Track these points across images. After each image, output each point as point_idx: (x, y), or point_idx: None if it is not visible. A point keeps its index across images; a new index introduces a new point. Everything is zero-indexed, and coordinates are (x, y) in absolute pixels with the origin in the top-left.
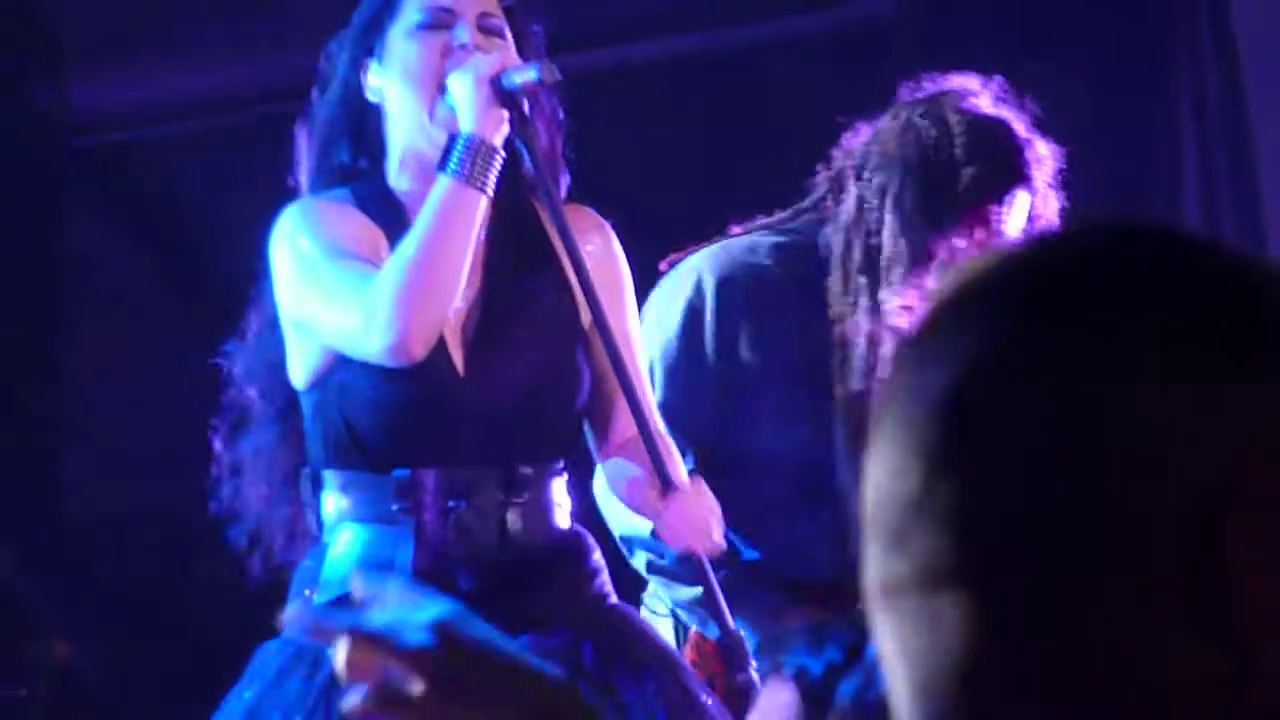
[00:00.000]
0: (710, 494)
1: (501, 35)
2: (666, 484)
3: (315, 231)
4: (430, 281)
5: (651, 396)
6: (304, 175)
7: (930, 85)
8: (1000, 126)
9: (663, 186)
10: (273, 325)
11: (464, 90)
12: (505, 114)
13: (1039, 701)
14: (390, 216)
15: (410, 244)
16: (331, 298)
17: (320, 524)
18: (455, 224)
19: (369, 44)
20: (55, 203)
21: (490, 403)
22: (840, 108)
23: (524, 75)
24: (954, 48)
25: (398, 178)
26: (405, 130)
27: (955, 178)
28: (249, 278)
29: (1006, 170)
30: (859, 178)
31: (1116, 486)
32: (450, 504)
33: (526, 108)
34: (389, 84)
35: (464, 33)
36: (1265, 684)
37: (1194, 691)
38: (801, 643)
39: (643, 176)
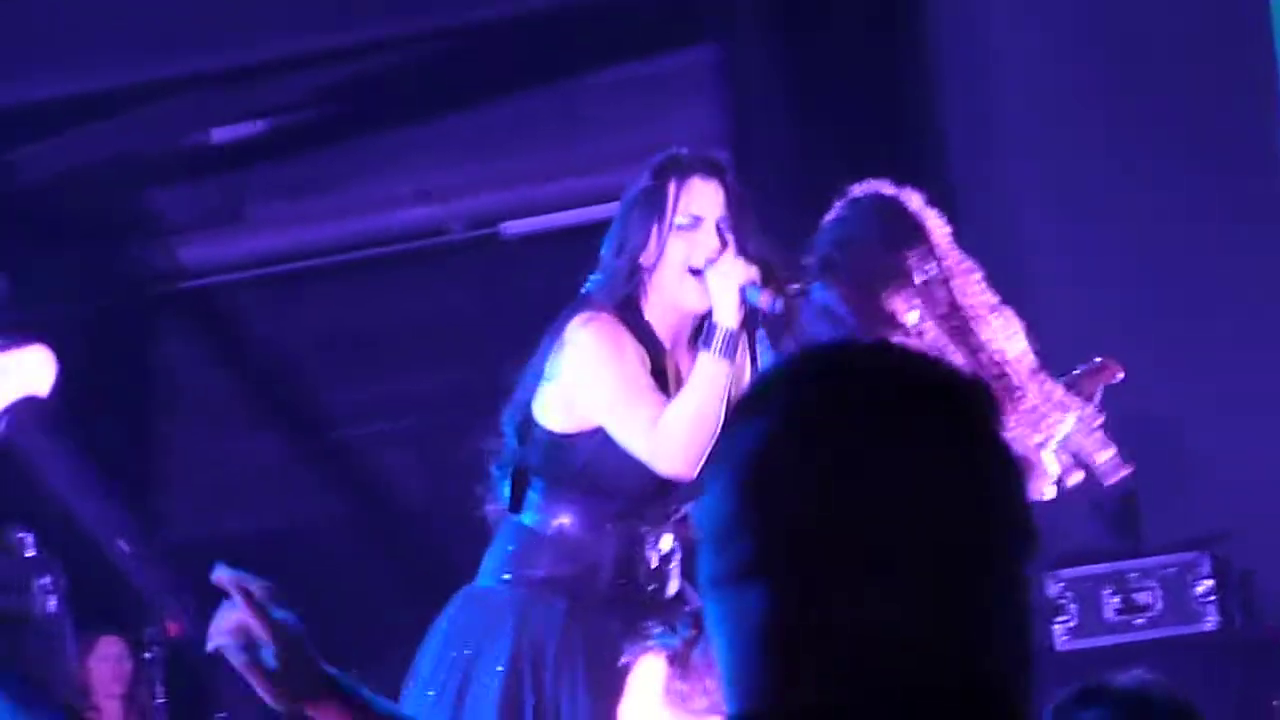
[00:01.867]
0: None
1: (725, 234)
2: None
3: (620, 359)
4: (701, 430)
5: None
6: (599, 293)
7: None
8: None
9: None
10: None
11: (726, 291)
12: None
13: (811, 653)
14: (648, 344)
15: (689, 402)
16: (630, 422)
17: (539, 520)
18: (717, 389)
19: (645, 237)
20: (158, 329)
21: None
22: None
23: (758, 298)
24: None
25: (650, 312)
26: (664, 289)
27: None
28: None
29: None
30: None
31: (852, 509)
32: (642, 531)
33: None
34: (659, 264)
35: (708, 233)
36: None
37: (911, 645)
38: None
39: None
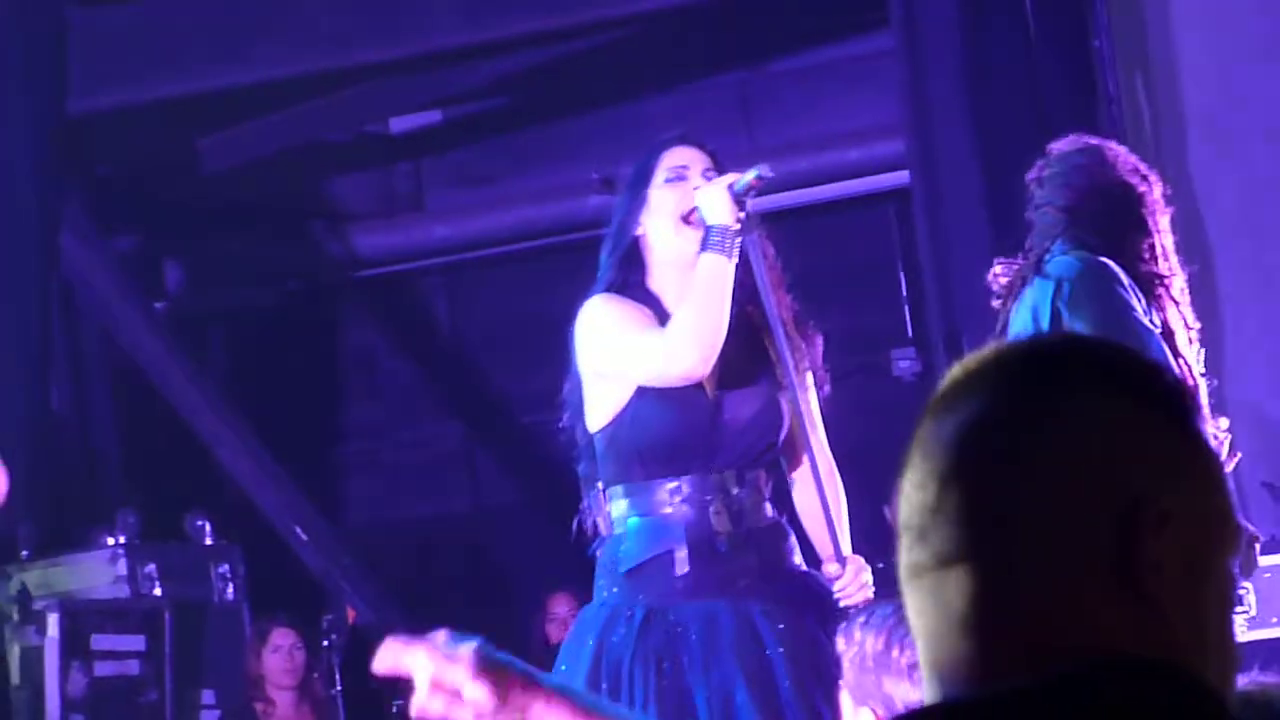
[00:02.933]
0: (866, 565)
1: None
2: (839, 555)
3: (616, 312)
4: (708, 323)
5: (830, 464)
6: (599, 285)
7: None
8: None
9: None
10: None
11: (711, 194)
12: (738, 210)
13: (1015, 637)
14: (653, 307)
15: (693, 300)
16: (639, 345)
17: (610, 524)
18: (719, 284)
19: (636, 199)
20: (337, 317)
21: (728, 424)
22: None
23: (747, 176)
24: None
25: (654, 282)
26: (663, 249)
27: None
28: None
29: None
30: None
31: (1063, 497)
32: (706, 498)
33: (750, 206)
34: (650, 222)
35: (695, 179)
36: (1163, 624)
37: (1115, 632)
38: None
39: None
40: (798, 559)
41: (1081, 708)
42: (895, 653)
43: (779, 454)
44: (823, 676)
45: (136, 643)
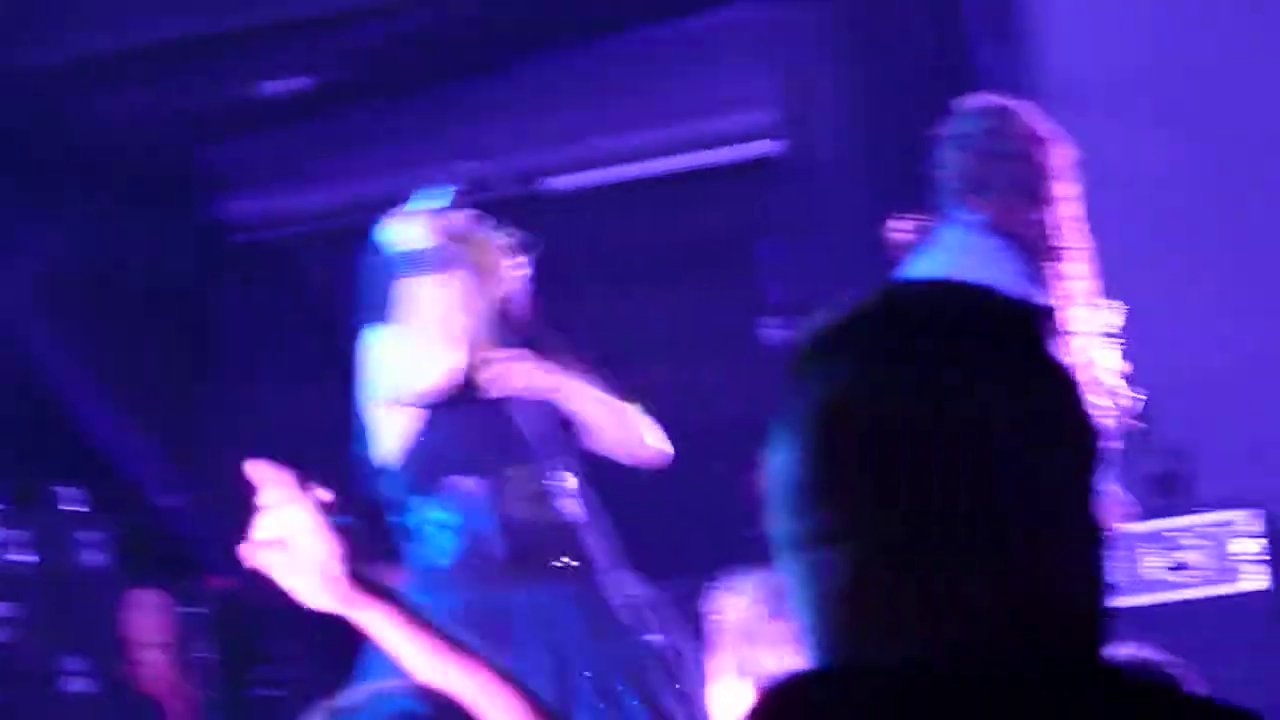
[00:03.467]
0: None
1: None
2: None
3: (384, 340)
4: (436, 341)
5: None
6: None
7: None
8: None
9: None
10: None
11: (401, 225)
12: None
13: (895, 612)
14: None
15: (418, 319)
16: (396, 363)
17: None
18: (434, 304)
19: None
20: (216, 280)
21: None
22: None
23: (434, 200)
24: None
25: None
26: None
27: None
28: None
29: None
30: None
31: (930, 475)
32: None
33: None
34: None
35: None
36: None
37: (989, 603)
38: None
39: None
40: None
41: (969, 676)
42: (772, 622)
43: None
44: None
45: (5, 610)
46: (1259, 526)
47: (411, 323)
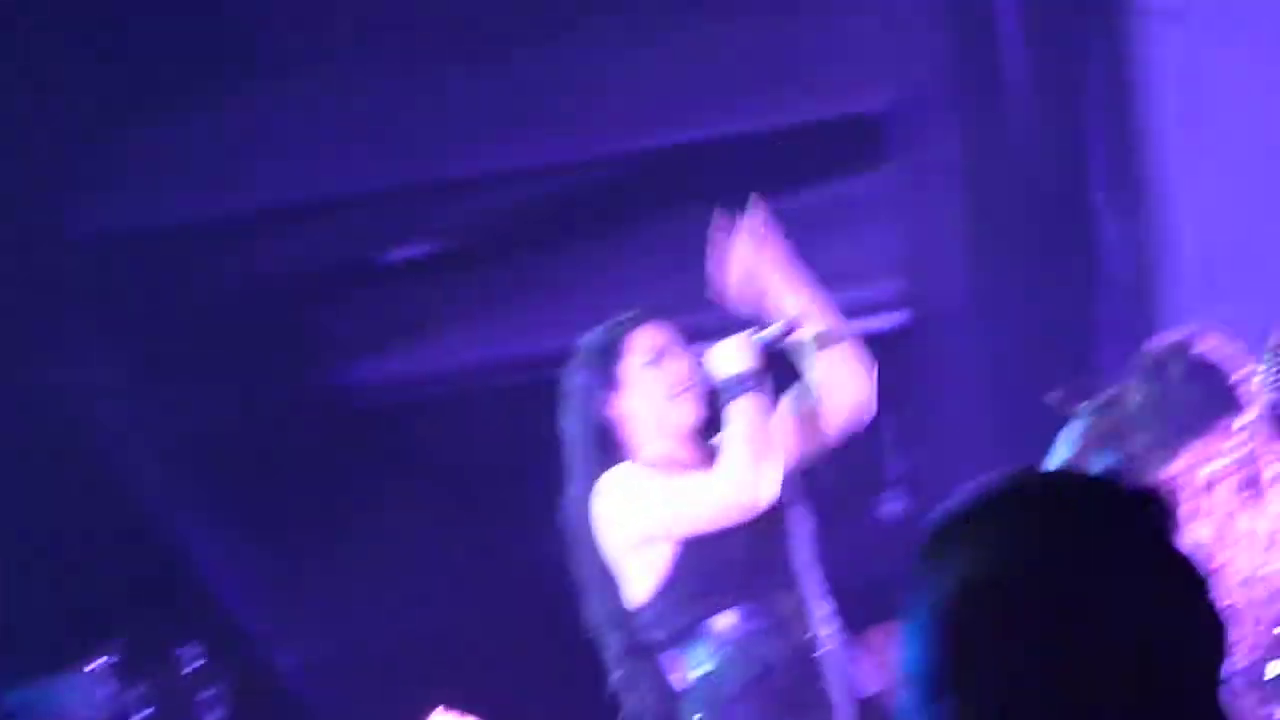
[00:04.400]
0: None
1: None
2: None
3: (648, 474)
4: (764, 449)
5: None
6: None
7: None
8: None
9: None
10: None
11: (725, 350)
12: (757, 360)
13: None
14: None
15: (737, 438)
16: (698, 488)
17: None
18: (753, 419)
19: (604, 379)
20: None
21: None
22: None
23: (773, 329)
24: None
25: (647, 453)
26: (650, 424)
27: None
28: None
29: None
30: None
31: (1074, 663)
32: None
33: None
34: (632, 403)
35: (676, 355)
36: None
37: None
38: None
39: None
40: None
41: None
42: None
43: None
44: None
45: None
46: None
47: (733, 444)
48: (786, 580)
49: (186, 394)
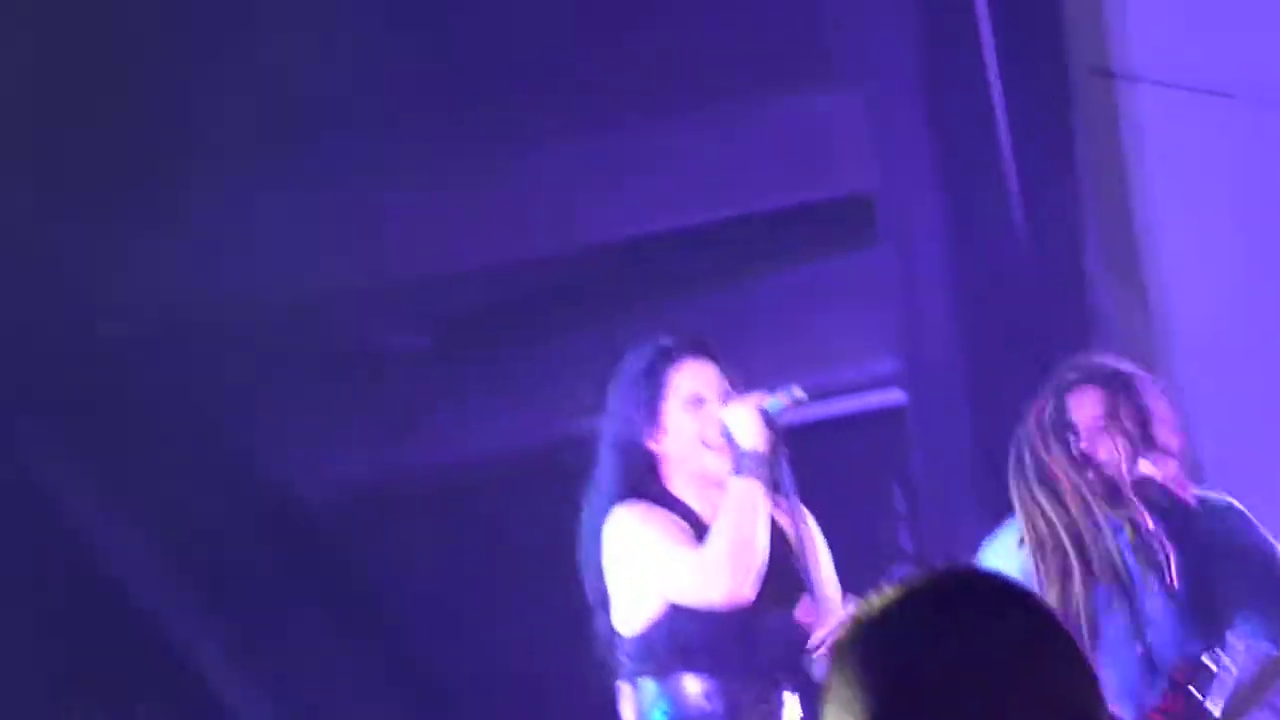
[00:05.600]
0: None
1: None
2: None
3: (651, 528)
4: (748, 547)
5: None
6: (615, 485)
7: None
8: None
9: None
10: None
11: (741, 416)
12: (769, 431)
13: None
14: (681, 513)
15: (725, 522)
16: (680, 568)
17: (639, 714)
18: (753, 507)
19: (648, 412)
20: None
21: (764, 629)
22: None
23: (780, 399)
24: None
25: (676, 489)
26: (684, 463)
27: None
28: None
29: None
30: None
31: None
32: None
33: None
34: (671, 443)
35: (714, 403)
36: None
37: None
38: None
39: None
40: None
41: None
42: None
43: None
44: None
45: None
46: None
47: (708, 509)
48: (757, 669)
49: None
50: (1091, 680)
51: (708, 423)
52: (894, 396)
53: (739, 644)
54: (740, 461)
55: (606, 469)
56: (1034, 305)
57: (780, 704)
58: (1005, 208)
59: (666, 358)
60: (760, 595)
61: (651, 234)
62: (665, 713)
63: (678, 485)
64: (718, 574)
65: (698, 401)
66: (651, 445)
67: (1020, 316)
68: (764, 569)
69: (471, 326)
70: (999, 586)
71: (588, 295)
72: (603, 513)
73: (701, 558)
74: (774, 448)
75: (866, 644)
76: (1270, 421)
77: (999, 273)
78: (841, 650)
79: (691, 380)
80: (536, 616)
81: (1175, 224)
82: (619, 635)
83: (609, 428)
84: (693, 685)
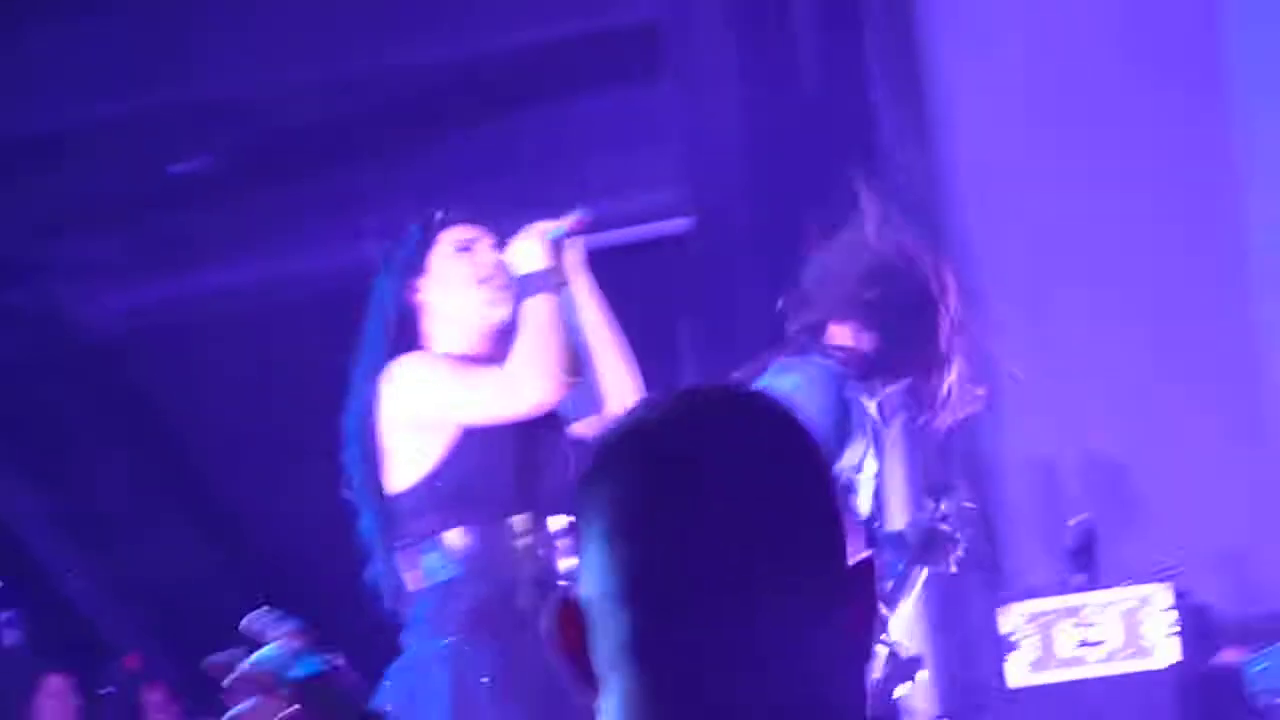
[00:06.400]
0: None
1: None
2: None
3: (441, 361)
4: (551, 351)
5: None
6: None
7: None
8: None
9: None
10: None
11: (523, 245)
12: (554, 256)
13: (668, 668)
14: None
15: (527, 337)
16: (482, 382)
17: (425, 576)
18: (549, 318)
19: (411, 269)
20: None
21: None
22: None
23: (564, 222)
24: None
25: (437, 346)
26: (451, 315)
27: None
28: None
29: None
30: None
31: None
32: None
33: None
34: (437, 289)
35: (485, 247)
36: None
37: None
38: None
39: None
40: None
41: None
42: None
43: None
44: None
45: None
46: (1169, 600)
47: (520, 342)
48: (536, 503)
49: None
50: (834, 495)
51: (480, 264)
52: (679, 224)
53: (521, 478)
54: (525, 285)
55: (372, 337)
56: (819, 134)
57: (556, 535)
58: (792, 40)
59: (434, 223)
60: (545, 428)
61: (435, 61)
62: (445, 569)
63: (441, 341)
64: (526, 377)
65: (465, 247)
66: (413, 299)
67: (806, 146)
68: (568, 380)
69: (259, 151)
70: (766, 401)
71: (361, 125)
72: (370, 377)
73: (504, 370)
74: (558, 267)
75: (623, 443)
76: (1047, 236)
77: (785, 103)
78: (599, 449)
79: (461, 232)
80: (335, 447)
81: (958, 53)
82: (389, 494)
83: (373, 299)
84: (459, 536)
